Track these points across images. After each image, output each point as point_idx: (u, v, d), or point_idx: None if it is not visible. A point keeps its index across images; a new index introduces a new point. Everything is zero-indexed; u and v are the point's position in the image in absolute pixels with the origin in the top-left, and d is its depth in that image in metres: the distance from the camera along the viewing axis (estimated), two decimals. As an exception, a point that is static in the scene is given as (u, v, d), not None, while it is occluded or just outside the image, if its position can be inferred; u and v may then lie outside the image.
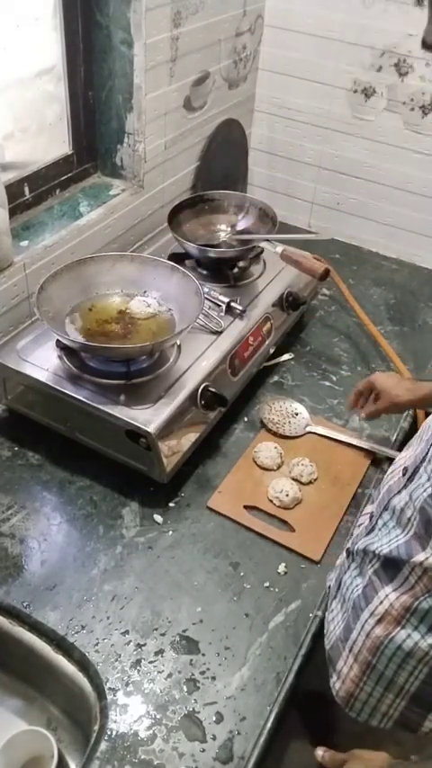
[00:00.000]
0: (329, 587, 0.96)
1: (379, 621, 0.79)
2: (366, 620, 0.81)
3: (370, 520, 0.87)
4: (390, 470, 0.88)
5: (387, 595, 0.78)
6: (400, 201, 1.72)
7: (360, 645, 0.82)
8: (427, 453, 0.75)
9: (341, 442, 1.21)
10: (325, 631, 0.92)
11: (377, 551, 0.80)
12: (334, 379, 1.37)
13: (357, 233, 1.82)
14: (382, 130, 1.66)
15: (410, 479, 0.78)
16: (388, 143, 1.67)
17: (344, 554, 0.93)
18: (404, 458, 0.85)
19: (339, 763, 0.86)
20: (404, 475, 0.80)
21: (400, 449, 1.20)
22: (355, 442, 1.21)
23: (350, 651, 0.84)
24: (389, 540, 0.79)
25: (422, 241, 1.74)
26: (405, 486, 0.78)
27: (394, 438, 1.25)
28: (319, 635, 0.94)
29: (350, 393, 1.28)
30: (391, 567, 0.78)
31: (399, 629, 0.77)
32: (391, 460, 1.18)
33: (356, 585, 0.84)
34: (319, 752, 0.88)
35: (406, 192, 1.70)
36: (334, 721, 0.99)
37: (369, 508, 0.92)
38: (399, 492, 0.79)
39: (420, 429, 0.84)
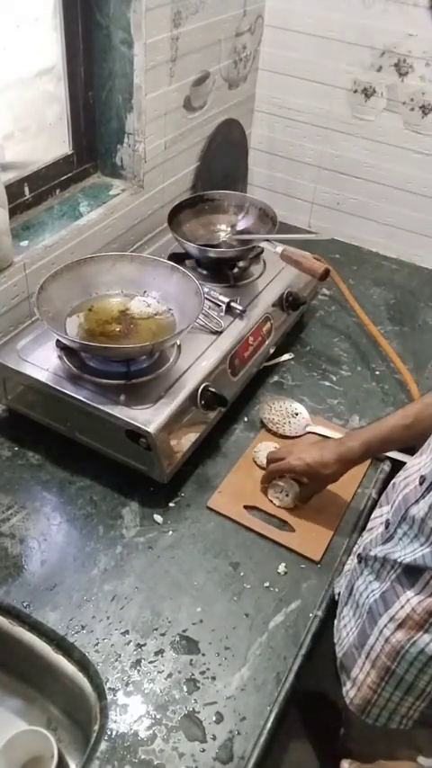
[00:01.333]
0: (339, 594, 0.96)
1: (400, 626, 0.79)
2: (386, 625, 0.80)
3: (386, 528, 0.86)
4: (402, 476, 0.86)
5: (408, 600, 0.78)
6: (400, 201, 1.72)
7: (378, 650, 0.81)
8: None
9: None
10: (336, 639, 0.91)
11: (399, 560, 0.79)
12: (334, 379, 1.37)
13: (357, 233, 1.82)
14: (382, 130, 1.66)
15: (429, 489, 0.77)
16: (388, 143, 1.67)
17: (354, 560, 0.92)
18: (418, 464, 0.83)
19: None
20: (421, 484, 0.79)
21: (400, 449, 1.20)
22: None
23: (367, 657, 0.83)
24: (413, 550, 0.78)
25: (422, 241, 1.74)
26: (423, 496, 0.78)
27: (423, 447, 1.24)
28: (319, 635, 0.94)
29: (348, 397, 1.29)
30: (412, 573, 0.78)
31: (422, 633, 0.77)
32: (390, 460, 1.19)
33: (372, 591, 0.84)
34: (345, 764, 0.88)
35: (406, 192, 1.70)
36: (342, 726, 0.99)
37: (378, 512, 0.92)
38: (417, 502, 0.78)
39: None
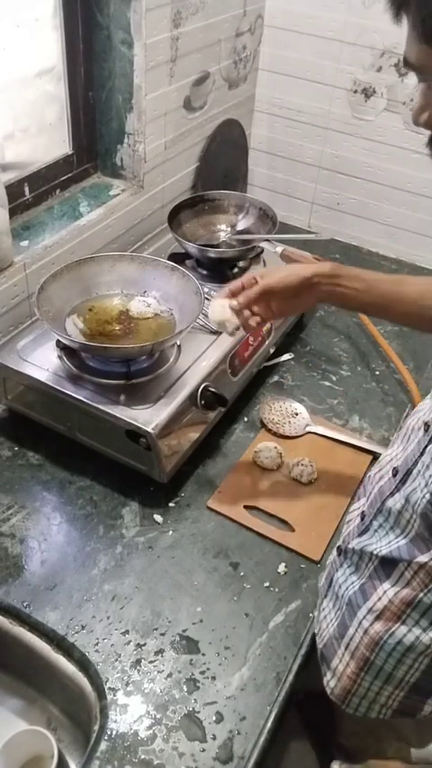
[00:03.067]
0: (320, 586, 0.96)
1: (378, 617, 0.79)
2: (365, 617, 0.81)
3: (362, 519, 0.86)
4: (376, 468, 0.87)
5: (385, 591, 0.78)
6: (400, 201, 1.72)
7: (357, 641, 0.82)
8: (420, 456, 0.74)
9: (341, 442, 1.21)
10: (316, 630, 0.91)
11: (375, 552, 0.80)
12: (334, 379, 1.37)
13: (357, 233, 1.82)
14: (382, 131, 1.66)
15: (403, 481, 0.77)
16: (388, 143, 1.67)
17: (334, 552, 0.92)
18: (390, 456, 0.84)
19: None
20: (394, 476, 0.80)
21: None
22: (354, 441, 1.21)
23: (346, 648, 0.84)
24: (388, 542, 0.79)
25: (422, 241, 1.74)
26: (398, 489, 0.78)
27: (394, 438, 1.24)
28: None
29: (348, 397, 1.29)
30: (388, 565, 0.78)
31: (399, 624, 0.78)
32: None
33: (352, 583, 0.84)
34: (336, 766, 0.88)
35: (406, 192, 1.71)
36: (334, 721, 1.00)
37: (356, 505, 0.92)
38: (392, 494, 0.79)
39: (405, 428, 0.84)
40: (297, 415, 1.25)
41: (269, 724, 0.84)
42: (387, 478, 0.82)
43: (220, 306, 0.98)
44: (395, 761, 0.84)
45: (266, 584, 0.98)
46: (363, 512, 0.86)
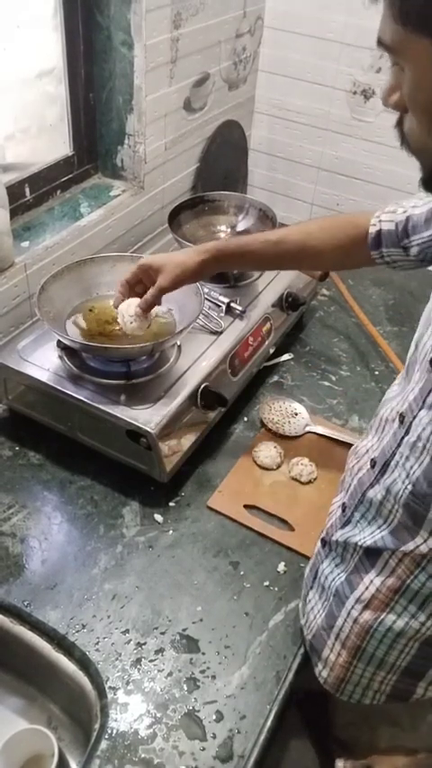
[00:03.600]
0: (305, 578, 0.96)
1: (366, 607, 0.80)
2: (353, 607, 0.81)
3: (343, 511, 0.86)
4: (354, 460, 0.86)
5: (372, 581, 0.79)
6: (399, 202, 1.72)
7: (348, 631, 0.82)
8: (397, 447, 0.74)
9: (341, 442, 1.21)
10: (303, 622, 0.92)
11: (359, 543, 0.80)
12: (333, 379, 1.37)
13: (357, 234, 1.83)
14: (382, 132, 1.67)
15: (382, 473, 0.77)
16: (387, 144, 1.67)
17: (318, 544, 0.93)
18: (366, 447, 0.84)
19: None
20: (373, 467, 0.80)
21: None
22: (354, 441, 1.21)
23: (336, 638, 0.84)
24: (371, 533, 0.79)
25: (422, 242, 1.74)
26: (377, 480, 0.78)
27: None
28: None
29: (348, 397, 1.28)
30: (371, 555, 0.79)
31: (387, 611, 0.78)
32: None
33: (338, 575, 0.85)
34: (339, 764, 0.89)
35: (406, 193, 1.71)
36: (333, 718, 1.00)
37: (337, 498, 0.92)
38: (372, 486, 0.79)
39: (378, 418, 0.84)
40: (297, 415, 1.25)
41: (269, 723, 0.84)
42: (366, 470, 0.82)
43: (133, 307, 1.06)
44: (398, 755, 0.85)
45: (266, 583, 0.99)
46: (343, 503, 0.86)
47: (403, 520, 0.74)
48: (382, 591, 0.78)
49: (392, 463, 0.75)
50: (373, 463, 0.80)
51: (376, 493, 0.78)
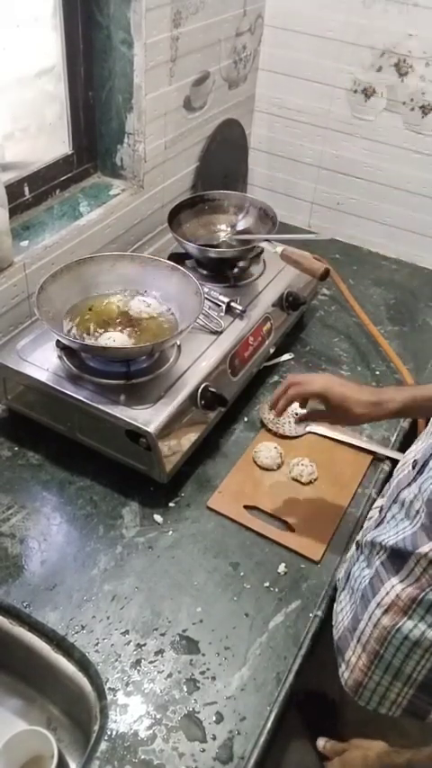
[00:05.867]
0: (339, 579, 0.97)
1: (386, 612, 0.80)
2: (374, 611, 0.82)
3: (380, 513, 0.88)
4: (400, 464, 0.88)
5: (393, 586, 0.79)
6: (400, 201, 1.72)
7: (368, 635, 0.83)
8: None
9: (341, 442, 1.21)
10: (333, 622, 0.93)
11: (384, 542, 0.81)
12: (334, 379, 1.37)
13: (357, 233, 1.82)
14: (382, 130, 1.66)
15: (420, 472, 0.78)
16: (388, 143, 1.67)
17: (353, 546, 0.93)
18: (414, 451, 0.86)
19: (340, 751, 0.87)
20: (414, 468, 0.81)
21: (399, 449, 1.20)
22: (354, 441, 1.21)
23: (358, 641, 0.85)
24: (396, 532, 0.79)
25: (422, 241, 1.74)
26: (414, 480, 0.79)
27: (394, 438, 1.25)
28: (319, 635, 0.94)
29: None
30: (397, 558, 0.79)
31: (405, 619, 0.78)
32: (390, 459, 1.19)
33: (364, 577, 0.85)
34: (321, 742, 0.90)
35: (406, 192, 1.70)
36: (334, 720, 1.00)
37: (380, 501, 0.93)
38: (408, 485, 0.80)
39: (430, 424, 0.85)
40: (297, 415, 1.25)
41: (269, 724, 0.84)
42: (406, 471, 0.83)
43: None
44: (378, 741, 0.85)
45: (266, 584, 0.98)
46: (381, 506, 0.88)
47: (426, 521, 0.74)
48: (401, 597, 0.78)
49: (430, 461, 0.76)
50: (415, 464, 0.81)
51: (410, 492, 0.79)
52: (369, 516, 0.95)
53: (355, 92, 1.65)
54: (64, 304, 1.16)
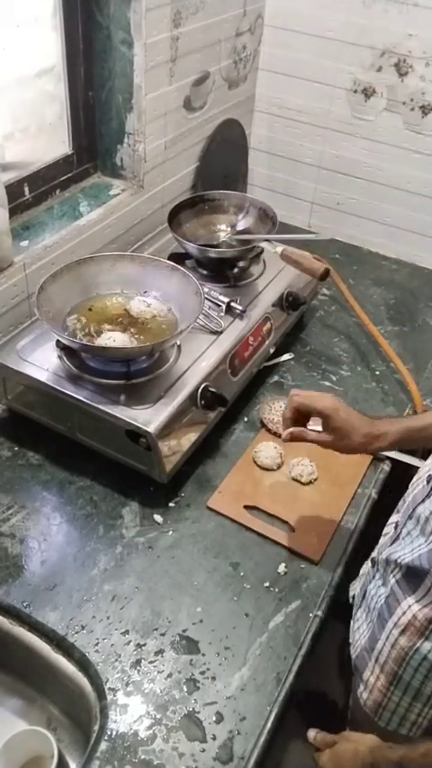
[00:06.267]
0: (353, 596, 0.96)
1: (403, 632, 0.79)
2: (391, 631, 0.81)
3: (395, 529, 0.86)
4: (415, 478, 0.87)
5: (410, 606, 0.78)
6: (400, 201, 1.72)
7: (386, 655, 0.82)
8: None
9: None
10: (350, 640, 0.92)
11: (399, 560, 0.80)
12: (334, 379, 1.37)
13: (357, 233, 1.82)
14: (382, 130, 1.66)
15: None
16: (388, 143, 1.67)
17: (368, 563, 0.92)
18: (429, 465, 0.84)
19: (330, 743, 0.86)
20: (428, 483, 0.80)
21: (399, 449, 1.20)
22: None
23: (376, 661, 0.84)
24: (411, 549, 0.78)
25: (422, 241, 1.74)
26: (429, 495, 0.78)
27: None
28: (318, 635, 0.94)
29: (348, 397, 1.28)
30: (413, 577, 0.78)
31: (423, 640, 0.78)
32: (390, 459, 1.19)
33: (380, 595, 0.84)
34: (311, 733, 0.89)
35: (406, 192, 1.70)
36: (334, 721, 0.99)
37: (394, 518, 0.92)
38: (423, 501, 0.79)
39: None
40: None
41: (269, 724, 0.84)
42: (421, 486, 0.82)
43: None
44: (370, 735, 0.84)
45: (266, 584, 0.98)
46: (396, 522, 0.87)
47: None
48: (418, 618, 0.77)
49: None
50: (429, 478, 0.80)
51: (425, 508, 0.77)
52: (384, 533, 0.94)
53: (355, 92, 1.65)
54: (64, 304, 1.16)
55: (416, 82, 1.57)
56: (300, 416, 0.96)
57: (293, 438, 0.94)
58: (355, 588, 0.97)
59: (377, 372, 1.40)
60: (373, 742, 0.83)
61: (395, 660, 0.81)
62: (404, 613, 0.79)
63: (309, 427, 0.96)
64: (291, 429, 0.94)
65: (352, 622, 0.93)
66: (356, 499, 1.12)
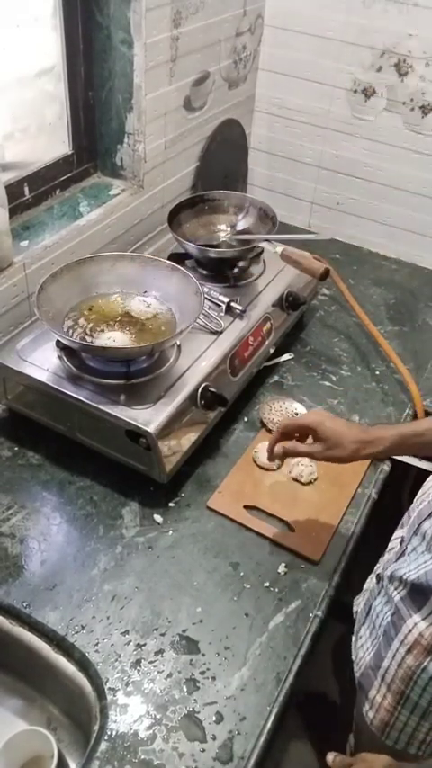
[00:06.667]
0: (356, 612, 0.96)
1: (409, 651, 0.79)
2: (397, 649, 0.80)
3: (400, 545, 0.86)
4: (420, 494, 0.86)
5: (416, 624, 0.78)
6: (400, 201, 1.72)
7: (393, 674, 0.82)
8: None
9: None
10: (353, 657, 0.92)
11: (405, 577, 0.79)
12: (334, 379, 1.37)
13: (357, 233, 1.82)
14: (382, 130, 1.66)
15: None
16: (388, 143, 1.67)
17: (373, 579, 0.92)
18: None
19: (348, 765, 0.86)
20: None
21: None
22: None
23: (382, 680, 0.84)
24: (417, 566, 0.78)
25: (422, 241, 1.74)
26: None
27: None
28: (318, 635, 0.94)
29: (348, 397, 1.28)
30: (418, 594, 0.78)
31: (430, 659, 0.77)
32: (390, 459, 1.19)
33: (386, 612, 0.84)
34: (330, 756, 0.88)
35: (406, 192, 1.70)
36: (334, 722, 0.99)
37: (399, 533, 0.92)
38: (429, 516, 0.78)
39: None
40: (297, 415, 1.25)
41: (269, 724, 0.84)
42: (427, 502, 0.81)
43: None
44: (385, 756, 0.84)
45: (266, 584, 0.98)
46: (402, 537, 0.86)
47: None
48: (425, 636, 0.77)
49: None
50: None
51: (431, 525, 0.77)
52: (389, 548, 0.93)
53: (355, 92, 1.65)
54: (64, 304, 1.16)
55: (416, 82, 1.57)
56: (288, 440, 0.97)
57: (286, 453, 0.95)
58: (359, 603, 0.96)
59: (377, 372, 1.40)
60: (386, 762, 0.83)
61: (402, 679, 0.81)
62: (410, 631, 0.78)
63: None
64: (282, 443, 0.95)
65: (354, 638, 0.93)
66: (356, 499, 1.12)
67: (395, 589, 0.82)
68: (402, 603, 0.80)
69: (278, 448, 0.96)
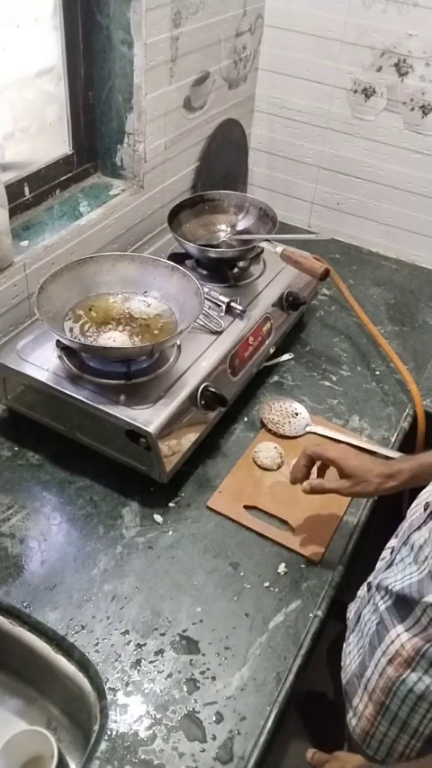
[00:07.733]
0: (349, 618, 0.96)
1: (390, 662, 0.79)
2: (379, 659, 0.80)
3: (391, 554, 0.86)
4: (413, 504, 0.86)
5: (399, 635, 0.78)
6: (400, 201, 1.72)
7: (374, 684, 0.82)
8: None
9: (341, 442, 1.21)
10: (342, 664, 0.92)
11: (390, 587, 0.79)
12: (334, 379, 1.37)
13: (357, 233, 1.82)
14: (382, 130, 1.66)
15: (431, 515, 0.77)
16: (388, 143, 1.67)
17: (365, 587, 0.92)
18: (428, 492, 0.83)
19: (324, 761, 0.87)
20: (425, 510, 0.79)
21: (399, 449, 1.20)
22: (355, 442, 1.21)
23: (365, 689, 0.84)
24: (402, 577, 0.78)
25: (422, 241, 1.74)
26: (425, 523, 0.78)
27: (394, 438, 1.25)
28: (318, 635, 0.94)
29: (348, 397, 1.28)
30: (403, 605, 0.78)
31: (409, 671, 0.77)
32: (390, 459, 1.19)
33: (373, 622, 0.84)
34: (309, 753, 0.90)
35: (406, 192, 1.70)
36: (334, 722, 0.99)
37: (392, 542, 0.92)
38: (419, 528, 0.79)
39: None
40: (297, 415, 1.25)
41: (269, 724, 0.84)
42: (418, 513, 0.81)
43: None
44: (358, 756, 0.85)
45: (266, 584, 0.98)
46: (392, 547, 0.86)
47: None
48: (406, 648, 0.77)
49: None
50: (427, 506, 0.79)
51: (420, 536, 0.77)
52: (381, 557, 0.94)
53: (355, 92, 1.65)
54: (64, 304, 1.16)
55: (416, 82, 1.57)
56: (312, 464, 1.01)
57: (313, 491, 0.99)
58: (350, 610, 0.97)
59: (377, 372, 1.40)
60: (358, 761, 0.84)
61: (382, 690, 0.80)
62: (392, 642, 0.78)
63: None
64: (310, 481, 1.00)
65: (344, 645, 0.93)
66: (356, 499, 1.12)
67: (381, 598, 0.82)
68: (387, 613, 0.80)
69: (305, 485, 1.00)
